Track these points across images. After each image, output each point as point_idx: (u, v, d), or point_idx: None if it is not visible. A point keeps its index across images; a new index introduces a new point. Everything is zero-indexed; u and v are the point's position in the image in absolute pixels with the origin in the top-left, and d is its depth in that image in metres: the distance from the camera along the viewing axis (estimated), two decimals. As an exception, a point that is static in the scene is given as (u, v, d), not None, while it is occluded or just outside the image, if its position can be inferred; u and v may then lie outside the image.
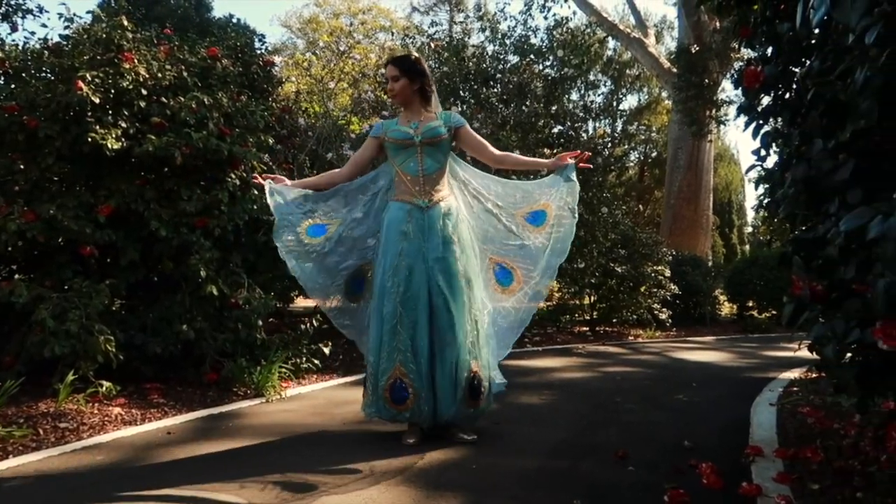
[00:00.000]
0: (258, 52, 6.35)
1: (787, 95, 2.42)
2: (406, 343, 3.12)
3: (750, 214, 22.61)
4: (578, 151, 3.52)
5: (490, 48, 9.31)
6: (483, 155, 3.50)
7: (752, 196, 26.31)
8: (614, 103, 18.04)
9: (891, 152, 1.72)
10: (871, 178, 1.78)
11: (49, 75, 4.55)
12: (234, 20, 11.06)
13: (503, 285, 3.50)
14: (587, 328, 9.55)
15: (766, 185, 2.74)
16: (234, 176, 4.76)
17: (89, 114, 4.21)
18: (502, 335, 3.46)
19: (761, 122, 2.49)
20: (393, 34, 12.42)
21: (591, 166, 3.58)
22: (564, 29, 9.80)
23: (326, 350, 5.11)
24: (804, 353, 2.68)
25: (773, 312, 11.13)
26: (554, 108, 8.86)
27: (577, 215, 3.50)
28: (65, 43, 4.72)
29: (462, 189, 3.54)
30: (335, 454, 3.02)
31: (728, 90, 13.17)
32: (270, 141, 5.23)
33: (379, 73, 8.52)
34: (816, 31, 2.03)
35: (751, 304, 11.73)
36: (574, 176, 3.47)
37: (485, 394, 3.23)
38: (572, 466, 2.88)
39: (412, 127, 3.32)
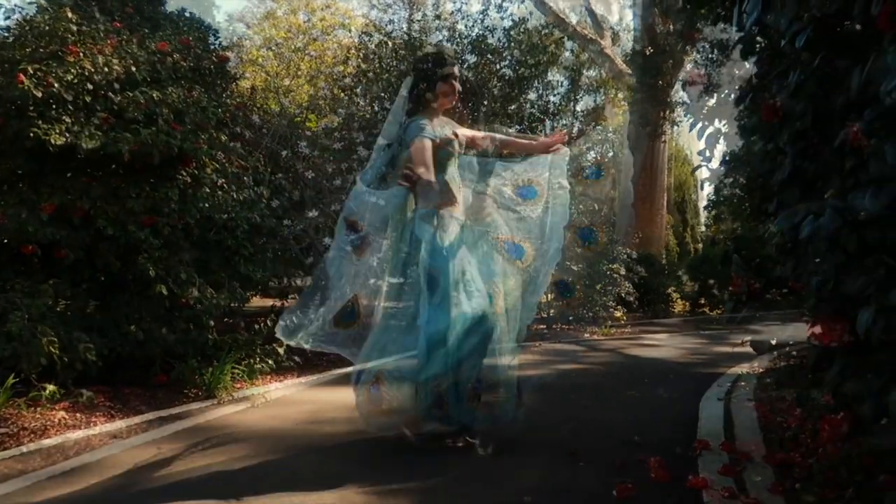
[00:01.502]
0: (212, 47, 6.22)
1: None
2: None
3: (703, 214, 23.15)
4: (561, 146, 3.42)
5: (448, 47, 9.31)
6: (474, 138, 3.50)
7: (705, 195, 26.91)
8: (572, 103, 18.23)
9: (825, 155, 1.78)
10: (807, 179, 1.84)
11: (-12, 68, 4.38)
12: (188, 14, 10.80)
13: (519, 259, 3.37)
14: (544, 326, 9.63)
15: (713, 185, 2.82)
16: (185, 173, 4.65)
17: (31, 108, 4.07)
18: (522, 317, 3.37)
19: (706, 123, 2.55)
20: (351, 31, 12.33)
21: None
22: (521, 29, 9.87)
23: (281, 350, 5.04)
24: (748, 348, 2.76)
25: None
26: (512, 107, 8.91)
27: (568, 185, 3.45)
28: (6, 34, 4.56)
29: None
30: (284, 456, 2.99)
31: (682, 92, 13.58)
32: (223, 138, 5.13)
33: (336, 70, 8.45)
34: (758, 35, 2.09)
35: (712, 281, 12.00)
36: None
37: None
38: (524, 463, 2.90)
39: (452, 133, 3.23)
